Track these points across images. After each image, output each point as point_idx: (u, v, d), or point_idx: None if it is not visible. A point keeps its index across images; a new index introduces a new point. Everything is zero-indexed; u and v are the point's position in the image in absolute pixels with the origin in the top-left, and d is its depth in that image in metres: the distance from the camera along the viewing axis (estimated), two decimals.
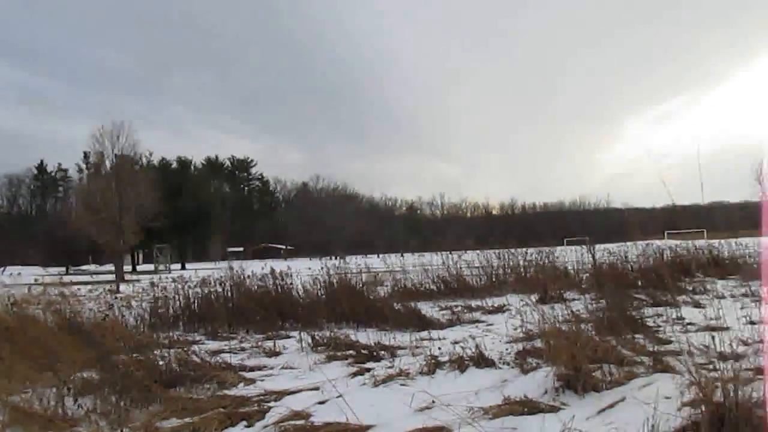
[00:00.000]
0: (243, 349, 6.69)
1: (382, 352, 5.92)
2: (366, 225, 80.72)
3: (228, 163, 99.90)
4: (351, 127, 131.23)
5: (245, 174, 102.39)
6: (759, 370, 4.15)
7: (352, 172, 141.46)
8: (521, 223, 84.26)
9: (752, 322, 6.24)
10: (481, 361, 5.12)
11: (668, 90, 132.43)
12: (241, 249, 71.61)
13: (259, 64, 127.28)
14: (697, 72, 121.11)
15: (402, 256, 22.38)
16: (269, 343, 6.75)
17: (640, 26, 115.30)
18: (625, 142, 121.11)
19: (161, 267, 48.80)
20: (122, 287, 17.81)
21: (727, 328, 5.77)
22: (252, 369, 5.59)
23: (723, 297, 8.94)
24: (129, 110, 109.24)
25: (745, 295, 9.01)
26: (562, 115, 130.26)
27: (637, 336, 5.79)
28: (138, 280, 24.12)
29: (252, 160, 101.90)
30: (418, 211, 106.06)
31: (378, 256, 26.18)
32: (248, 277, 9.51)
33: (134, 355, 5.24)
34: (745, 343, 5.18)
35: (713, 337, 4.23)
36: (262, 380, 5.09)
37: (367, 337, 6.60)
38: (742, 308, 7.42)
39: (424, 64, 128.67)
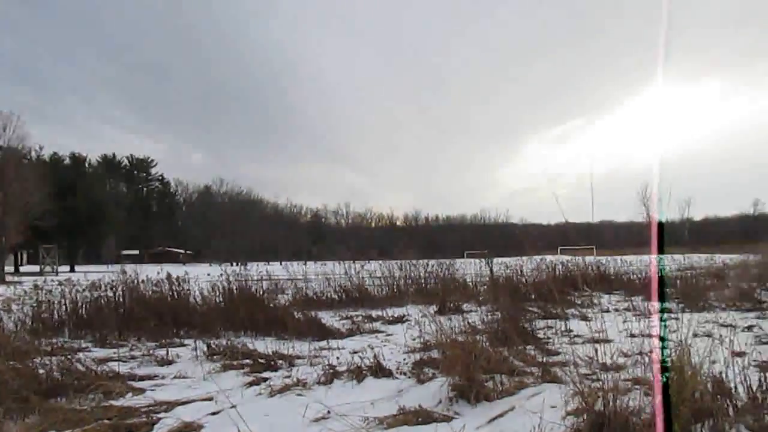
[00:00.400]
0: (133, 358, 6.38)
1: (280, 362, 5.83)
2: (270, 232, 79.54)
3: (126, 161, 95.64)
4: (258, 131, 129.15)
5: (144, 174, 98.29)
6: (637, 381, 4.43)
7: (257, 177, 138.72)
8: (424, 235, 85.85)
9: (632, 335, 6.63)
10: (379, 371, 5.15)
11: (567, 112, 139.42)
12: (137, 252, 68.69)
13: (163, 61, 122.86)
14: (593, 98, 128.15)
15: (305, 264, 22.21)
16: (162, 352, 6.47)
17: (542, 49, 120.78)
18: (525, 160, 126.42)
19: (47, 269, 45.89)
20: (2, 289, 16.58)
21: (610, 341, 6.13)
22: (142, 378, 5.35)
23: (608, 311, 9.48)
24: (15, 100, 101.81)
25: (627, 309, 9.60)
26: (467, 130, 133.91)
27: (528, 347, 6.03)
28: (20, 282, 22.49)
29: (152, 160, 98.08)
30: (323, 220, 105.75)
31: (281, 264, 25.85)
32: (142, 281, 9.10)
33: (11, 362, 4.89)
34: (626, 355, 5.51)
35: (596, 349, 4.46)
36: (153, 390, 4.88)
37: (265, 346, 6.49)
38: (624, 321, 7.87)
39: (334, 74, 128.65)
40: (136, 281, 9.00)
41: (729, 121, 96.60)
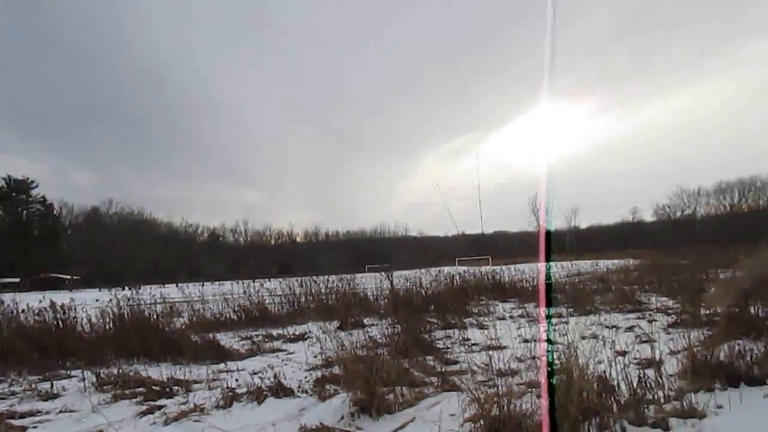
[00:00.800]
0: (13, 394, 5.91)
1: (176, 388, 5.60)
2: (164, 253, 76.55)
3: (2, 183, 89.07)
4: (151, 149, 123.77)
5: (24, 196, 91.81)
6: (530, 384, 4.61)
7: (150, 197, 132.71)
8: (325, 251, 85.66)
9: (526, 341, 6.93)
10: (280, 390, 5.06)
11: (460, 127, 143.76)
12: (17, 280, 63.87)
13: (42, 74, 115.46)
14: (485, 113, 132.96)
15: (202, 285, 21.57)
16: (46, 385, 6.05)
17: (434, 67, 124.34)
18: (422, 173, 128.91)
19: None
20: None
21: (505, 347, 6.38)
22: (23, 415, 4.97)
23: (503, 318, 9.82)
24: None
25: (521, 316, 9.98)
26: (365, 146, 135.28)
27: (428, 358, 6.14)
28: None
29: (32, 181, 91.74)
30: (221, 238, 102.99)
31: (177, 286, 24.93)
32: (23, 311, 8.49)
33: None
34: (520, 360, 5.74)
35: (490, 357, 4.61)
36: (35, 427, 4.55)
37: (160, 372, 6.22)
38: (518, 328, 8.21)
39: (230, 89, 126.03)
40: (15, 311, 8.39)
41: (611, 135, 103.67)
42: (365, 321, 9.98)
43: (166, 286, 27.10)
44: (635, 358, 5.55)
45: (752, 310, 7.23)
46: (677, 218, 70.79)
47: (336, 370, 5.58)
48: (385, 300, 12.29)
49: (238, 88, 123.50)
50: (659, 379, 4.31)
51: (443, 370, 5.54)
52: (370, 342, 6.31)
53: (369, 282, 15.28)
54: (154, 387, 5.56)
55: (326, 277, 13.81)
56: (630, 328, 7.93)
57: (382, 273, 15.74)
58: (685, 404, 3.87)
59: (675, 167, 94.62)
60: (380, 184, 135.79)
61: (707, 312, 8.20)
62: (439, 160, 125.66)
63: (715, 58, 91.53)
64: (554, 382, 3.69)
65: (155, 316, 8.75)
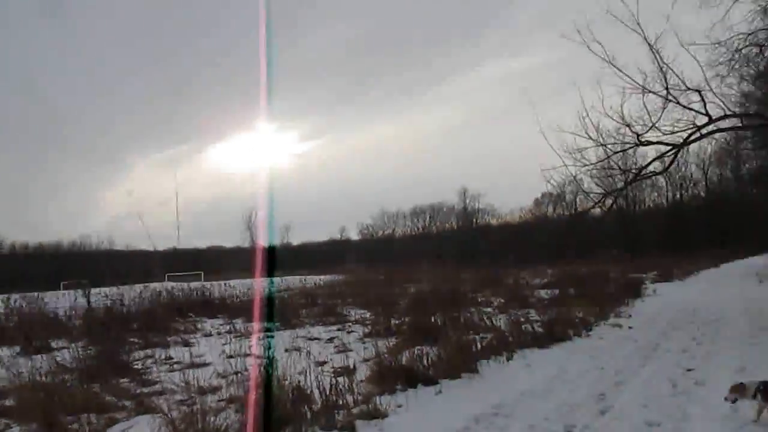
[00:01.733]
0: None
1: None
2: None
3: None
4: None
5: None
6: (231, 399, 4.61)
7: None
8: (8, 266, 75.06)
9: (230, 356, 6.90)
10: None
11: (177, 137, 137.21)
12: None
13: None
14: (204, 125, 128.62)
15: None
16: None
17: (144, 69, 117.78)
18: (133, 183, 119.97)
19: None
20: None
21: (209, 364, 6.30)
22: None
23: (210, 335, 9.66)
24: None
25: (229, 331, 9.92)
26: (65, 150, 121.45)
27: (124, 380, 5.77)
28: None
29: None
30: None
31: None
32: None
33: None
34: (223, 376, 5.69)
35: (184, 375, 4.53)
36: None
37: None
38: (224, 344, 8.14)
39: None
40: None
41: (324, 158, 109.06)
42: (54, 344, 8.94)
43: None
44: (332, 368, 5.91)
45: (432, 319, 8.25)
46: (379, 237, 77.26)
47: (11, 401, 4.92)
48: (80, 320, 11.20)
49: None
50: (350, 385, 4.66)
51: (140, 392, 5.25)
52: (57, 367, 5.70)
53: (63, 300, 13.80)
54: None
55: (6, 295, 12.10)
56: (331, 340, 8.44)
57: (80, 290, 14.42)
58: (370, 406, 4.24)
59: (378, 190, 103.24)
60: (83, 192, 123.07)
61: (397, 322, 9.11)
62: (153, 168, 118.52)
63: (416, 95, 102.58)
64: (255, 395, 3.75)
65: None
